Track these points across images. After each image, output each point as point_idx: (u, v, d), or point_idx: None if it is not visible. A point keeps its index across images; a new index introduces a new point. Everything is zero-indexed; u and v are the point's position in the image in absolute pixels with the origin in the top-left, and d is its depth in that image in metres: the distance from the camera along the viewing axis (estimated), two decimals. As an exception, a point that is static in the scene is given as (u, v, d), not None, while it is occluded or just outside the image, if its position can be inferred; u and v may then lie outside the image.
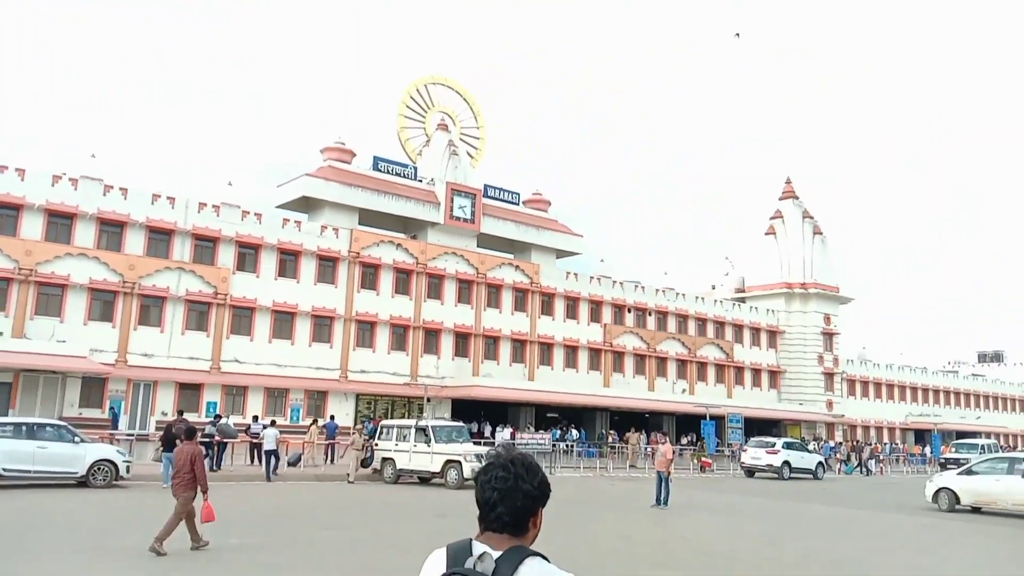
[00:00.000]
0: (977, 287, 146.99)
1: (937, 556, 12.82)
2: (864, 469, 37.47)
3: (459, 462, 19.26)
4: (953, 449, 40.95)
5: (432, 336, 39.40)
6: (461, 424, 22.97)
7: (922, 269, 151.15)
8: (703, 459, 34.00)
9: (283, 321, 35.40)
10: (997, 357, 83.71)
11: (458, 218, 40.87)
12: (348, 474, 20.79)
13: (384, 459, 20.70)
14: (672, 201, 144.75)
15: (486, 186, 43.37)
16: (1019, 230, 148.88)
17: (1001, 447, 47.89)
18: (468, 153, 44.20)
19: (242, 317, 34.45)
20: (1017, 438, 68.43)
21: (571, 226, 47.95)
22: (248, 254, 34.88)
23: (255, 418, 26.56)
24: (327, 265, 36.71)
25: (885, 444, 53.79)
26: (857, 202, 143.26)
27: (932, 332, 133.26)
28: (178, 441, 12.14)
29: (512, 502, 1.97)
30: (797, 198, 57.36)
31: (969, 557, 13.04)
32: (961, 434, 55.85)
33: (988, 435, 55.96)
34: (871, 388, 60.09)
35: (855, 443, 46.31)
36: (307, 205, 38.52)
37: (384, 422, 22.70)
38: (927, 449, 51.25)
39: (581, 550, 11.60)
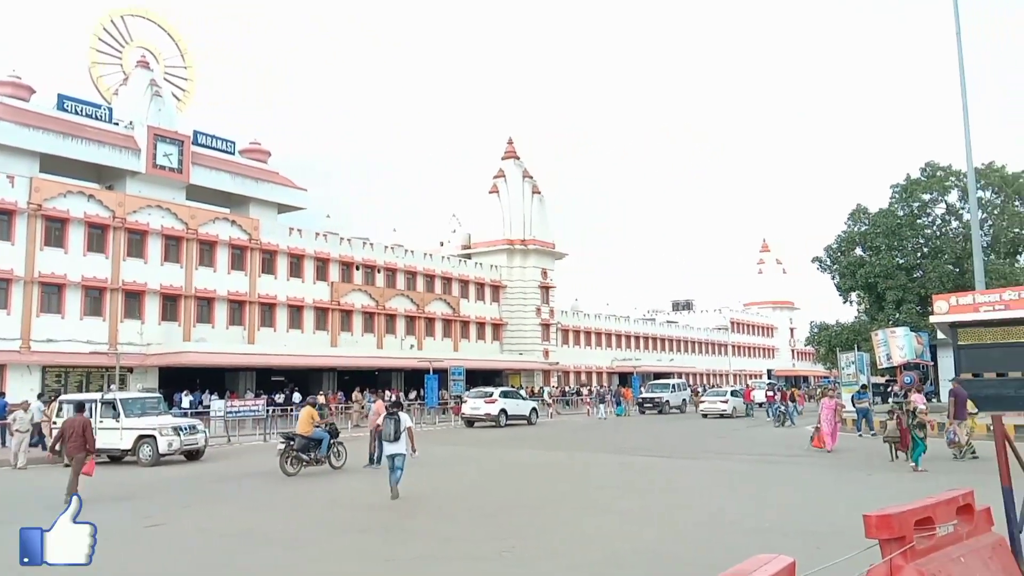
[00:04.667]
0: (673, 243, 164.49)
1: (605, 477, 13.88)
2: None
3: (154, 437, 17.56)
4: (648, 388, 45.85)
5: (134, 299, 35.75)
6: (157, 395, 21.02)
7: (627, 227, 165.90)
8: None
9: (-57, 285, 30.22)
10: (688, 305, 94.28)
11: (163, 167, 37.15)
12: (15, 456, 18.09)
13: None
14: (402, 158, 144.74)
15: (196, 132, 39.86)
16: (706, 195, 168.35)
17: (688, 385, 54.15)
18: (174, 95, 40.23)
19: None
20: (703, 376, 77.87)
21: (295, 179, 45.87)
22: None
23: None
24: (1, 219, 31.77)
25: (597, 387, 58.49)
26: (571, 164, 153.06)
27: (635, 283, 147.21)
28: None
29: (397, 407, 12.66)
30: (518, 158, 59.59)
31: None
32: (658, 375, 62.36)
33: (679, 375, 63.10)
34: (582, 336, 64.94)
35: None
36: (-28, 148, 32.93)
37: (62, 397, 20.09)
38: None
39: (276, 521, 10.96)
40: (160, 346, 35.18)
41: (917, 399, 15.85)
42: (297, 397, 37.52)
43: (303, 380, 42.28)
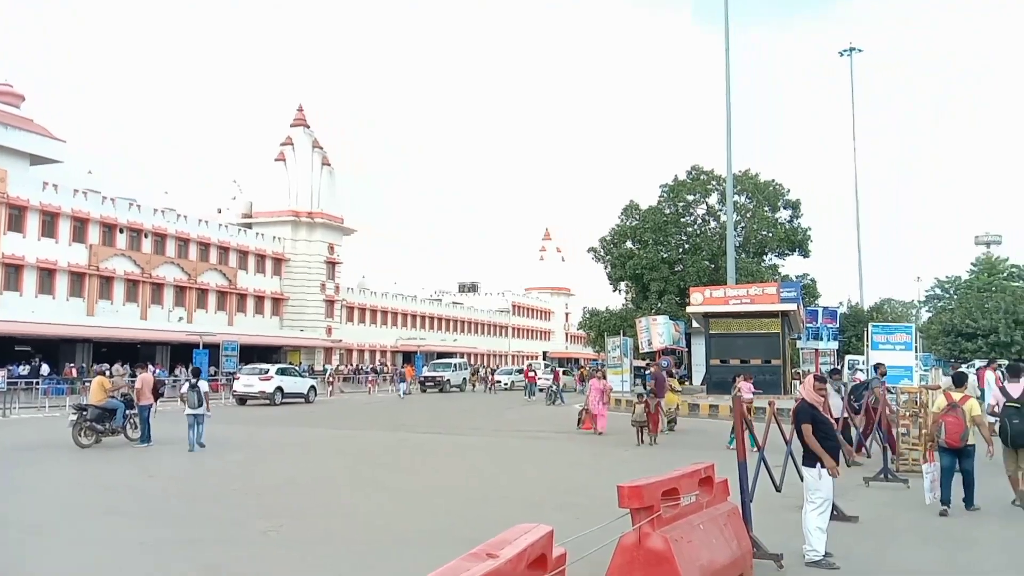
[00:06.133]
0: (463, 226, 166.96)
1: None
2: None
3: None
4: (431, 367, 46.46)
5: None
6: None
7: (419, 207, 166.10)
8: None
9: None
10: (474, 287, 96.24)
11: None
12: None
13: None
14: (180, 117, 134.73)
15: (-71, 66, 34.76)
16: (497, 181, 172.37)
17: (469, 364, 55.44)
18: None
19: None
20: (484, 357, 80.00)
21: (52, 129, 41.31)
22: None
23: None
24: None
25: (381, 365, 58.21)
26: (364, 140, 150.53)
27: (424, 263, 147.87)
28: None
29: (196, 375, 15.75)
30: (308, 127, 57.62)
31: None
32: (441, 354, 63.19)
33: (462, 355, 64.28)
34: (368, 314, 64.33)
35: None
36: None
37: None
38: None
39: (21, 502, 9.85)
40: None
41: (744, 386, 16.33)
42: (45, 369, 34.03)
43: (53, 351, 38.35)
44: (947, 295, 73.27)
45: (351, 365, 57.58)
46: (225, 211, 57.11)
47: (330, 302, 57.37)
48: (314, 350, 55.30)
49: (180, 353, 42.84)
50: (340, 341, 57.85)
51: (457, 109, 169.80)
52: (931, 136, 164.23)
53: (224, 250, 50.55)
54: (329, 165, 57.80)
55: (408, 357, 61.51)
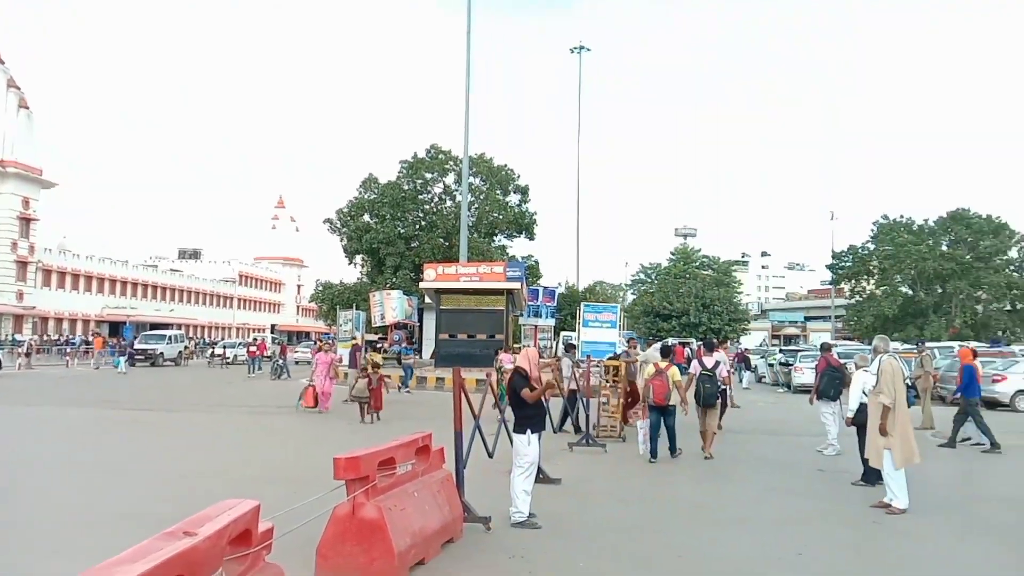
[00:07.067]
0: (187, 187, 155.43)
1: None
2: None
3: None
4: (142, 340, 42.87)
5: None
6: None
7: (137, 162, 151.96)
8: None
9: None
10: (196, 254, 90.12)
11: None
12: None
13: None
14: None
15: None
16: (228, 143, 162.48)
17: (189, 337, 51.93)
18: None
19: None
20: (206, 329, 75.36)
21: None
22: None
23: None
24: None
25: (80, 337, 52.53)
26: (76, 85, 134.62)
27: (140, 226, 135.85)
28: None
29: None
30: (3, 63, 50.19)
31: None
32: (155, 325, 58.47)
33: (179, 326, 59.94)
34: (69, 279, 57.72)
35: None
36: None
37: None
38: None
39: None
40: None
41: (505, 359, 17.24)
42: None
43: None
44: (649, 279, 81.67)
45: (47, 335, 51.43)
46: None
47: (23, 263, 50.70)
48: (1, 317, 48.63)
49: None
50: (34, 308, 51.44)
51: (190, 66, 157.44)
52: (646, 134, 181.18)
53: None
54: (28, 108, 50.88)
55: (116, 328, 56.18)
